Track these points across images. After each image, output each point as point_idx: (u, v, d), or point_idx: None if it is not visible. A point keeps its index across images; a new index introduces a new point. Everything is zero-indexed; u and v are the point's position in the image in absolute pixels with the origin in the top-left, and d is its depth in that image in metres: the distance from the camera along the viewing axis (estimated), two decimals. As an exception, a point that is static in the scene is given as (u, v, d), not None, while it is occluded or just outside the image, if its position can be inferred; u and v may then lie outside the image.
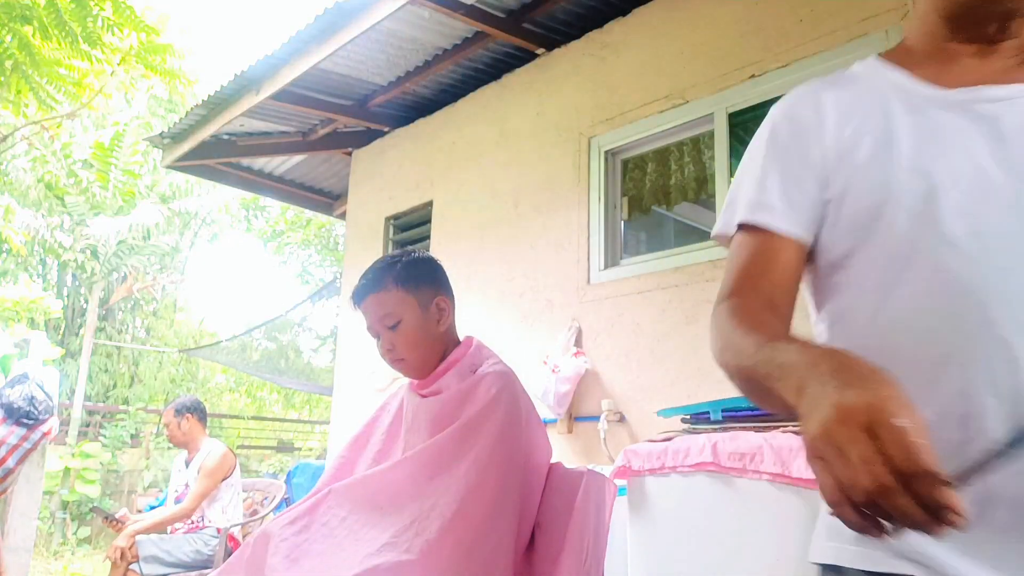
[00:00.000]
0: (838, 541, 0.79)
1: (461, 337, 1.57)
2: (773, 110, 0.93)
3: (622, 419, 3.16)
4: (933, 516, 0.53)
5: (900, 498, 0.53)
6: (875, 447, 0.53)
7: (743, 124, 3.33)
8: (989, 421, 0.71)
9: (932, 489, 0.52)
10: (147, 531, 3.53)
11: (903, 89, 0.85)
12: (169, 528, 3.66)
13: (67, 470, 8.29)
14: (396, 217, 4.83)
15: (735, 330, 0.78)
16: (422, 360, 1.50)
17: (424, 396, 1.51)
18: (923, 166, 0.79)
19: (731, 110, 3.10)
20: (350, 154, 5.32)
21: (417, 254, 1.56)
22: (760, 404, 0.78)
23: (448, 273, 1.62)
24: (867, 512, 0.55)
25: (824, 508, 0.62)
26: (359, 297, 1.50)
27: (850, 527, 0.57)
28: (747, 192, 0.88)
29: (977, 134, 0.78)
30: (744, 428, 2.10)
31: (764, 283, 0.83)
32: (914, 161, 0.80)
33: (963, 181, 0.77)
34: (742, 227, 0.87)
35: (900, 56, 0.90)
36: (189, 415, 3.93)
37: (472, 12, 3.56)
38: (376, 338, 1.50)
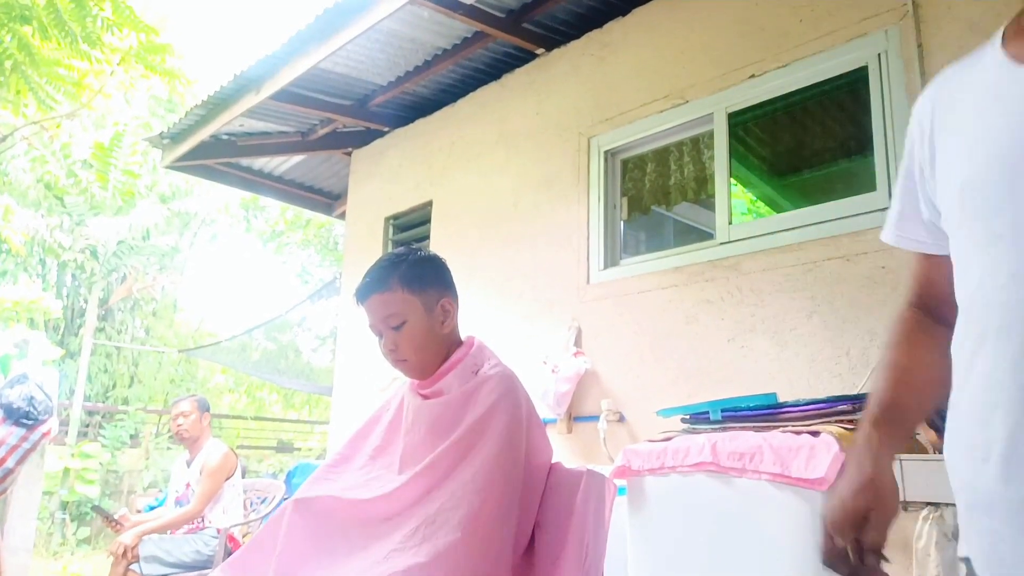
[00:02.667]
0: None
1: (463, 337, 1.57)
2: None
3: (622, 419, 3.16)
4: None
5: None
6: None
7: (743, 124, 3.33)
8: (1001, 416, 0.78)
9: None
10: (155, 532, 3.52)
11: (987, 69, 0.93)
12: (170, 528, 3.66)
13: (67, 470, 8.29)
14: (396, 217, 4.83)
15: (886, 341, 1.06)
16: (425, 361, 1.48)
17: (425, 397, 1.51)
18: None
19: (731, 110, 3.10)
20: (350, 154, 5.32)
21: (423, 253, 1.53)
22: None
23: (448, 273, 1.61)
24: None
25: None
26: (362, 295, 1.48)
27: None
28: (890, 211, 1.06)
29: None
30: (744, 428, 2.10)
31: (919, 295, 1.06)
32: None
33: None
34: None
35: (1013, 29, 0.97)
36: (207, 413, 3.94)
37: (472, 12, 3.56)
38: (378, 336, 1.49)
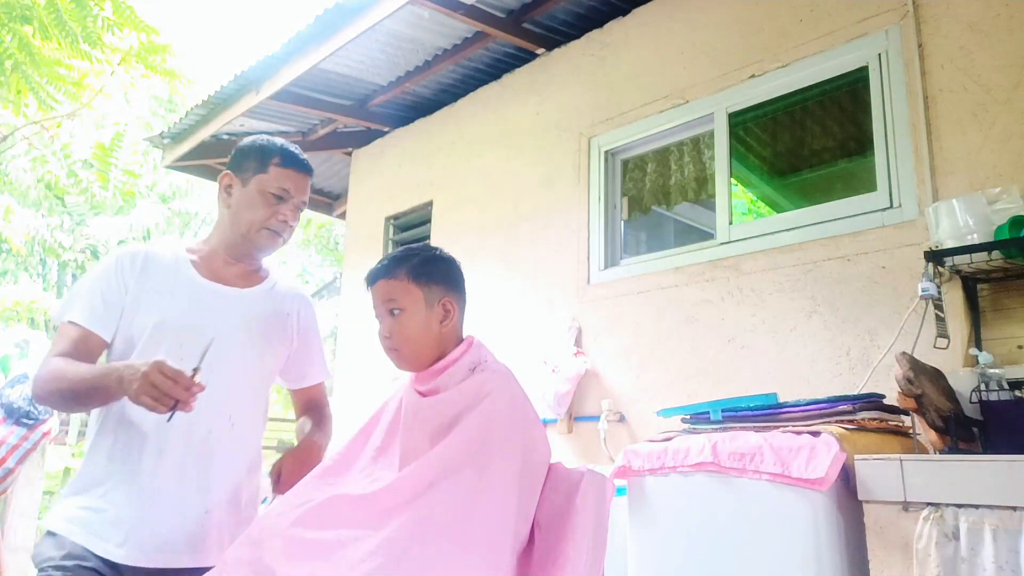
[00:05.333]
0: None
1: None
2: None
3: (622, 419, 3.17)
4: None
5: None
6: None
7: (743, 124, 3.33)
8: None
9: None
10: None
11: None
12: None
13: (67, 470, 8.30)
14: (396, 217, 4.83)
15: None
16: (415, 354, 1.51)
17: (422, 395, 1.51)
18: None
19: (731, 110, 3.11)
20: (350, 154, 5.32)
21: (438, 252, 1.58)
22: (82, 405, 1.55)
23: (448, 273, 1.61)
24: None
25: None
26: (371, 278, 1.54)
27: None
28: None
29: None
30: (744, 428, 2.10)
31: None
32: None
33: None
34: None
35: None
36: None
37: (472, 12, 3.56)
38: (379, 321, 1.54)
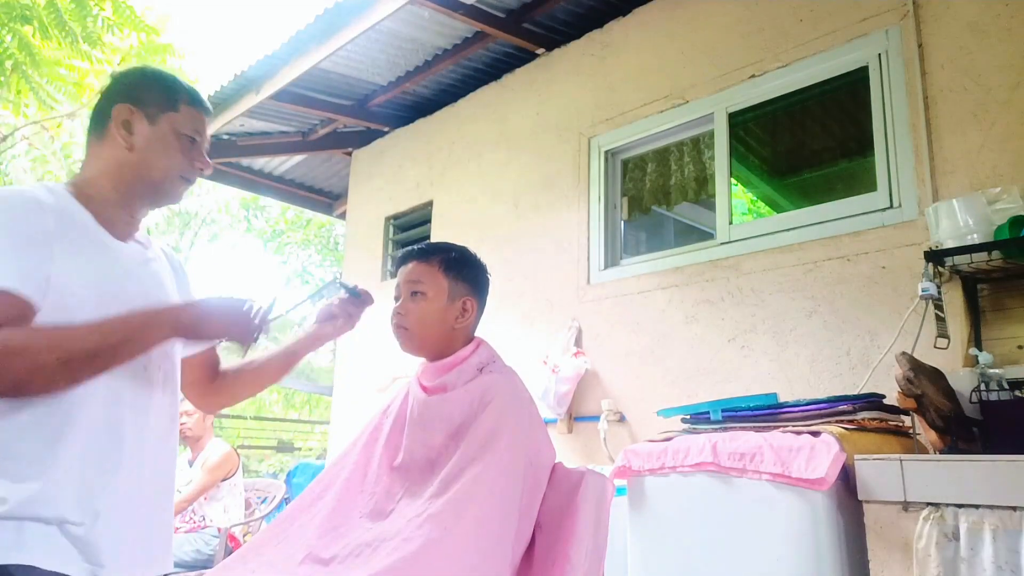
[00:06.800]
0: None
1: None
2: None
3: (622, 419, 3.17)
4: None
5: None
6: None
7: (743, 124, 3.33)
8: None
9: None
10: None
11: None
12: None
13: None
14: (396, 217, 4.83)
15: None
16: (423, 339, 1.53)
17: (428, 391, 1.51)
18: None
19: (731, 110, 3.11)
20: (350, 154, 5.32)
21: (475, 256, 1.64)
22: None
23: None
24: None
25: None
26: (405, 257, 1.58)
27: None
28: None
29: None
30: (744, 428, 2.10)
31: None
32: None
33: None
34: None
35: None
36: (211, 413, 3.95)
37: (472, 12, 3.56)
38: (396, 299, 1.57)
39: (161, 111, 1.37)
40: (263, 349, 1.58)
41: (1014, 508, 1.52)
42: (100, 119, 1.37)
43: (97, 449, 1.21)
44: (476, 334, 1.61)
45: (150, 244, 1.46)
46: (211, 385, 1.62)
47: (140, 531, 1.27)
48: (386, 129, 4.94)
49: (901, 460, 1.72)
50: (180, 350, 1.47)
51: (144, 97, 1.37)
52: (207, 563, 3.52)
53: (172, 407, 1.40)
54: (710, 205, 3.22)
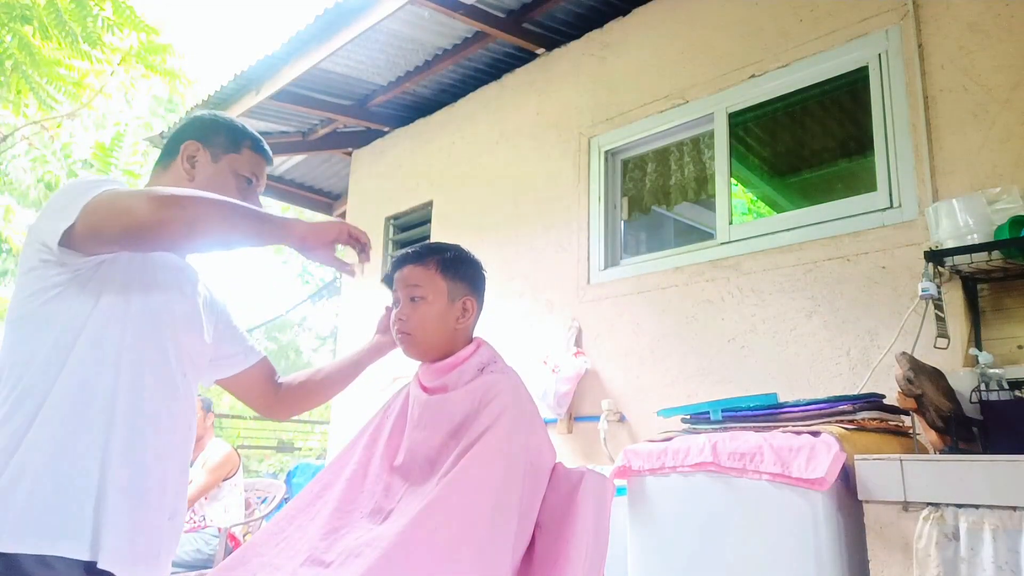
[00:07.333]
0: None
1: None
2: None
3: (622, 419, 3.17)
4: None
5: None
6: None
7: (743, 124, 3.33)
8: None
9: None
10: None
11: None
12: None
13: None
14: (396, 217, 4.83)
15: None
16: (426, 343, 1.52)
17: (429, 391, 1.51)
18: None
19: (731, 110, 3.11)
20: (350, 154, 5.32)
21: (470, 254, 1.63)
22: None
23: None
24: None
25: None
26: (400, 261, 1.55)
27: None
28: None
29: None
30: (744, 428, 2.10)
31: None
32: None
33: None
34: None
35: None
36: (211, 412, 3.95)
37: (472, 12, 3.56)
38: (396, 305, 1.55)
39: (225, 151, 1.50)
40: (324, 364, 1.65)
41: (1014, 508, 1.52)
42: (169, 152, 1.49)
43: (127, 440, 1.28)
44: (477, 333, 1.61)
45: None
46: (275, 396, 1.72)
47: (152, 529, 1.30)
48: (386, 129, 4.94)
49: (901, 460, 1.72)
50: (210, 351, 1.56)
51: (212, 138, 1.50)
52: (207, 563, 3.52)
53: (190, 413, 1.45)
54: (710, 205, 3.22)
